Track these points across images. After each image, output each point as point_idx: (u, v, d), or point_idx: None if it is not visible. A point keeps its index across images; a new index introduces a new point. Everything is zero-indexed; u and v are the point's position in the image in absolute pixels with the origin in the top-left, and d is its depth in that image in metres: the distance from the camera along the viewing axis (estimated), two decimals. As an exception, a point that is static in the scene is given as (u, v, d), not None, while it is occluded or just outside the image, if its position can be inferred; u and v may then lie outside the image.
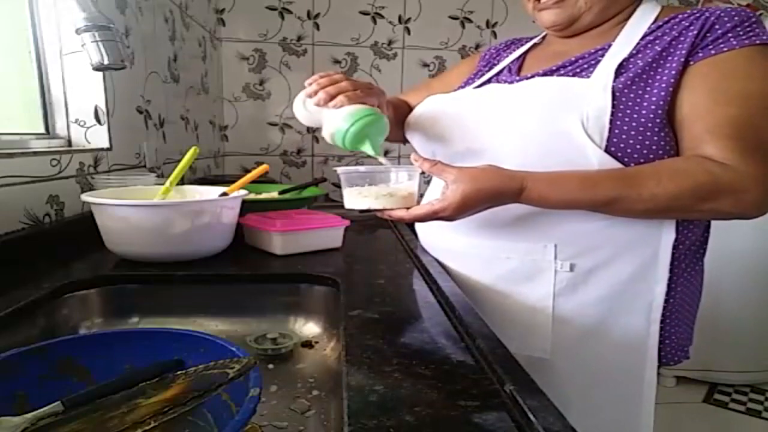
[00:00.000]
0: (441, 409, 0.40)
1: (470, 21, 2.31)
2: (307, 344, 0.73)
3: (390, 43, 2.30)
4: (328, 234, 0.92)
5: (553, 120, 0.67)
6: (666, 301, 0.70)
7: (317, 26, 2.24)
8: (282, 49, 2.23)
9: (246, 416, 0.34)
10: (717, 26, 0.64)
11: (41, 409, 0.39)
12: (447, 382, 0.44)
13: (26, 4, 0.97)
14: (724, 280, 1.97)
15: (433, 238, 0.88)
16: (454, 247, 0.82)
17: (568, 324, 0.72)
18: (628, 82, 0.65)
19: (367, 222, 1.22)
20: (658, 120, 0.64)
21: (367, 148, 0.71)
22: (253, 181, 0.96)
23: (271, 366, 0.67)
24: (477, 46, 2.34)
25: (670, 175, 0.61)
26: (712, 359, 2.06)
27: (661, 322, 0.71)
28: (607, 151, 0.65)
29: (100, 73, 1.06)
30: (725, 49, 0.63)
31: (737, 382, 2.12)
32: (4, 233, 0.76)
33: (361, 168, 0.71)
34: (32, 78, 1.00)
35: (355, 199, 0.71)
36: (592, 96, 0.66)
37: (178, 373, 0.44)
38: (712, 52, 0.64)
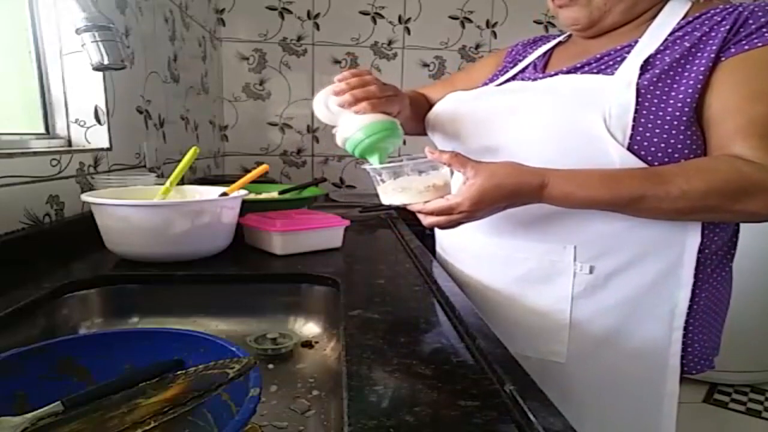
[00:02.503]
0: (441, 409, 0.40)
1: (470, 21, 2.31)
2: (307, 344, 0.73)
3: (390, 43, 2.30)
4: (328, 234, 0.92)
5: (575, 117, 0.65)
6: (690, 307, 0.68)
7: (317, 26, 2.23)
8: (282, 49, 2.23)
9: (246, 416, 0.34)
10: (751, 21, 0.61)
11: (41, 409, 0.39)
12: (447, 382, 0.44)
13: (26, 4, 0.97)
14: (724, 280, 1.97)
15: (452, 238, 0.85)
16: (471, 246, 0.80)
17: (585, 328, 0.70)
18: (654, 79, 0.63)
19: (367, 222, 1.22)
20: (684, 118, 0.62)
21: (374, 160, 0.70)
22: (253, 181, 0.96)
23: (271, 366, 0.67)
24: (477, 46, 2.34)
25: (699, 173, 0.59)
26: (712, 359, 2.06)
27: (684, 329, 0.68)
28: (629, 149, 0.63)
29: (100, 73, 1.06)
30: (759, 44, 0.60)
31: (737, 382, 2.12)
32: (4, 233, 0.76)
33: (390, 164, 0.69)
34: (32, 78, 1.00)
35: (391, 194, 0.69)
36: (616, 93, 0.63)
37: (178, 373, 0.44)
38: (746, 47, 0.61)
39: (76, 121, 1.07)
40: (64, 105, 1.05)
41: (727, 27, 0.62)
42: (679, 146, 0.62)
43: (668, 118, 0.62)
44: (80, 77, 1.04)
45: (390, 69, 2.31)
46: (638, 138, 0.63)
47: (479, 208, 0.63)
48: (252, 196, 1.11)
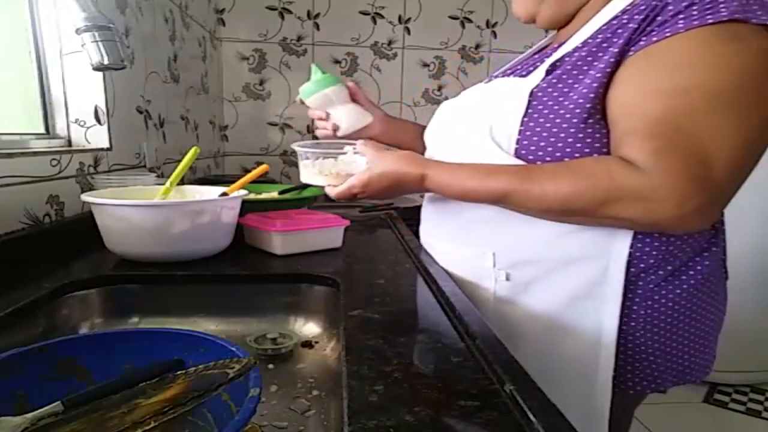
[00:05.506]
0: (441, 409, 0.40)
1: (470, 21, 2.31)
2: (307, 344, 0.73)
3: (390, 43, 2.30)
4: (328, 234, 0.92)
5: (473, 123, 0.68)
6: (626, 324, 0.63)
7: (317, 26, 2.24)
8: (282, 49, 2.23)
9: (246, 416, 0.34)
10: (670, 6, 0.54)
11: (41, 409, 0.39)
12: (447, 382, 0.44)
13: (26, 4, 0.97)
14: (724, 280, 1.97)
15: (424, 239, 0.90)
16: (433, 250, 0.85)
17: (515, 332, 0.68)
18: (554, 80, 0.60)
19: (367, 222, 1.22)
20: (575, 120, 0.58)
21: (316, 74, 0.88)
22: (253, 181, 0.96)
23: (271, 366, 0.67)
24: (477, 46, 2.34)
25: (570, 174, 0.56)
26: (712, 359, 2.06)
27: (623, 346, 0.63)
28: (517, 155, 0.62)
29: (100, 73, 1.06)
30: (668, 33, 0.53)
31: (737, 382, 2.12)
32: (4, 233, 0.76)
33: (314, 142, 0.81)
34: (32, 78, 1.00)
35: (303, 173, 0.81)
36: (509, 98, 0.63)
37: (178, 373, 0.44)
38: (654, 38, 0.54)
39: (76, 121, 1.07)
40: (64, 105, 1.05)
41: (642, 17, 0.56)
42: (568, 150, 0.59)
43: (558, 120, 0.59)
44: (80, 77, 1.04)
45: (390, 69, 2.31)
46: (525, 143, 0.61)
47: (367, 190, 0.73)
48: (252, 196, 1.11)
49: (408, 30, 2.29)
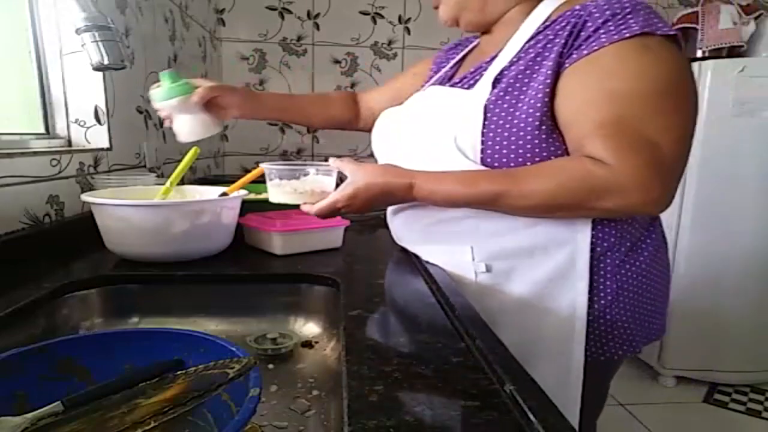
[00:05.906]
0: (441, 409, 0.40)
1: (470, 21, 2.31)
2: (307, 344, 0.73)
3: (390, 43, 2.30)
4: (328, 234, 0.92)
5: (433, 134, 0.71)
6: (597, 299, 0.70)
7: (317, 26, 2.24)
8: (282, 49, 2.23)
9: (246, 416, 0.34)
10: (589, 23, 0.62)
11: (41, 409, 0.39)
12: (447, 382, 0.44)
13: (26, 4, 0.97)
14: (724, 280, 1.97)
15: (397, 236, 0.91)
16: (411, 247, 0.86)
17: (498, 319, 0.71)
18: (501, 93, 0.66)
19: (367, 222, 1.22)
20: (529, 128, 0.64)
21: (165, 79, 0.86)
22: (253, 181, 0.96)
23: (271, 366, 0.68)
24: (477, 46, 2.34)
25: (551, 173, 0.62)
26: (712, 359, 2.06)
27: (601, 320, 0.70)
28: (483, 163, 0.67)
29: (100, 73, 1.06)
30: (595, 47, 0.61)
31: (737, 382, 2.12)
32: (4, 233, 0.76)
33: (283, 163, 0.78)
34: (32, 78, 1.00)
35: (275, 192, 0.77)
36: (466, 110, 0.67)
37: (178, 373, 0.44)
38: (585, 52, 0.62)
39: (76, 121, 1.07)
40: (64, 105, 1.05)
41: (567, 32, 0.64)
42: (529, 155, 0.65)
43: (514, 129, 0.65)
44: (80, 77, 1.04)
45: (390, 69, 2.31)
46: (489, 152, 0.67)
47: (355, 203, 0.70)
48: (252, 196, 1.11)
49: (408, 30, 2.29)
